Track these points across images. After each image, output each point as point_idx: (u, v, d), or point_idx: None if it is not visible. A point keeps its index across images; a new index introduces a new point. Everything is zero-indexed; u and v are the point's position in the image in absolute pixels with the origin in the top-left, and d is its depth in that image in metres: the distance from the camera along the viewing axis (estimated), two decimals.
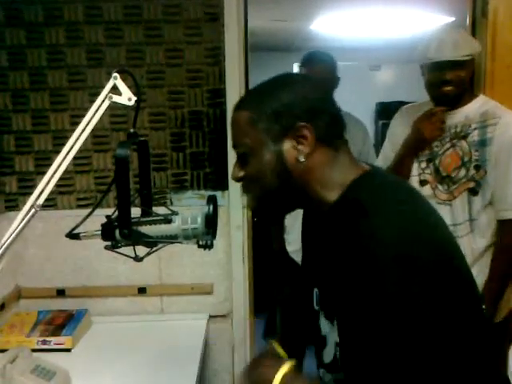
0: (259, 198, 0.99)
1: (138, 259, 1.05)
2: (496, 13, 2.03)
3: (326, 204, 0.93)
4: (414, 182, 1.88)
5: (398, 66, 5.38)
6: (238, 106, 0.97)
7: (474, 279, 0.91)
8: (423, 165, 1.89)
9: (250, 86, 2.04)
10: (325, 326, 0.98)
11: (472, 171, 1.77)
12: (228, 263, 1.97)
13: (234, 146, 0.98)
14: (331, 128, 0.94)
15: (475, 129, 1.77)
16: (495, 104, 1.83)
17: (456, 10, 3.57)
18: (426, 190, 1.84)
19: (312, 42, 4.70)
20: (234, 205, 1.93)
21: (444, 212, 1.78)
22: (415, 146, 1.88)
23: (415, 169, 1.90)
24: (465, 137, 1.79)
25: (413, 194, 0.97)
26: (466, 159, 1.78)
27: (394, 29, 4.33)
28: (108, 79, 1.06)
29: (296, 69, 5.46)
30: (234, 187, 1.90)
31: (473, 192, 1.77)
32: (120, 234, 1.01)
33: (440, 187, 1.84)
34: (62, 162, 1.00)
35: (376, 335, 0.79)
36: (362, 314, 0.80)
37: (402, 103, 2.18)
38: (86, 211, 1.08)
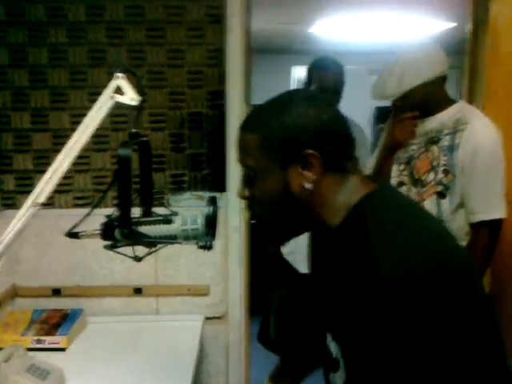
0: (265, 218, 0.99)
1: (137, 259, 1.05)
2: (497, 19, 2.04)
3: (331, 227, 0.92)
4: (393, 183, 1.96)
5: None
6: (245, 127, 0.96)
7: (487, 294, 0.90)
8: (401, 167, 1.97)
9: (251, 89, 2.05)
10: (334, 348, 0.96)
11: (440, 175, 1.82)
12: (225, 265, 1.96)
13: (241, 164, 0.98)
14: (340, 152, 0.92)
15: (447, 134, 1.82)
16: (470, 110, 1.86)
17: (457, 16, 3.59)
18: (402, 191, 1.90)
19: (311, 45, 4.71)
20: (232, 206, 1.93)
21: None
22: (389, 149, 1.97)
23: (395, 171, 1.98)
24: (436, 142, 1.84)
25: (416, 213, 0.95)
26: (435, 163, 1.84)
27: (394, 33, 4.35)
28: (109, 79, 1.06)
29: (294, 72, 5.49)
30: (232, 189, 1.90)
31: (441, 195, 1.82)
32: (120, 233, 1.01)
33: (413, 189, 1.90)
34: (64, 161, 0.99)
35: (384, 363, 0.78)
36: (369, 341, 0.79)
37: None
38: (84, 211, 1.07)
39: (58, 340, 1.70)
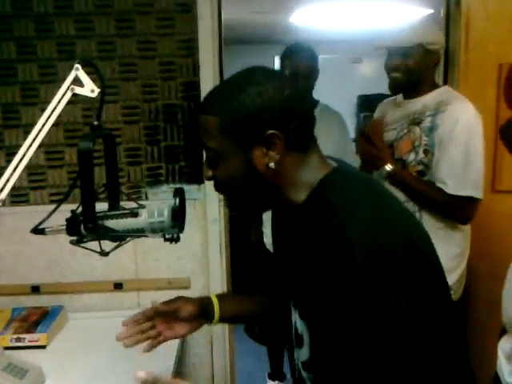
0: (231, 198, 1.00)
1: (103, 254, 1.03)
2: (469, 4, 2.05)
3: (295, 204, 0.93)
4: None
5: (379, 59, 5.40)
6: (205, 109, 0.93)
7: (442, 268, 0.92)
8: None
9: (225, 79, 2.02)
10: (300, 325, 0.97)
11: (421, 155, 1.84)
12: (205, 257, 1.95)
13: (203, 147, 0.96)
14: (301, 131, 0.92)
15: (428, 116, 1.84)
16: (452, 93, 1.89)
17: (434, 2, 3.59)
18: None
19: (291, 34, 4.68)
20: (211, 198, 1.91)
21: (397, 192, 1.85)
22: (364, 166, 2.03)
23: None
24: (419, 123, 1.86)
25: (377, 188, 0.98)
26: (416, 144, 1.85)
27: (373, 21, 4.33)
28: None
29: (277, 62, 5.47)
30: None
31: (421, 174, 1.84)
32: (85, 228, 1.00)
33: None
34: (24, 155, 0.97)
35: (352, 338, 0.78)
36: (339, 315, 0.79)
37: (384, 96, 2.19)
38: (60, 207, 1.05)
39: (37, 337, 1.68)
